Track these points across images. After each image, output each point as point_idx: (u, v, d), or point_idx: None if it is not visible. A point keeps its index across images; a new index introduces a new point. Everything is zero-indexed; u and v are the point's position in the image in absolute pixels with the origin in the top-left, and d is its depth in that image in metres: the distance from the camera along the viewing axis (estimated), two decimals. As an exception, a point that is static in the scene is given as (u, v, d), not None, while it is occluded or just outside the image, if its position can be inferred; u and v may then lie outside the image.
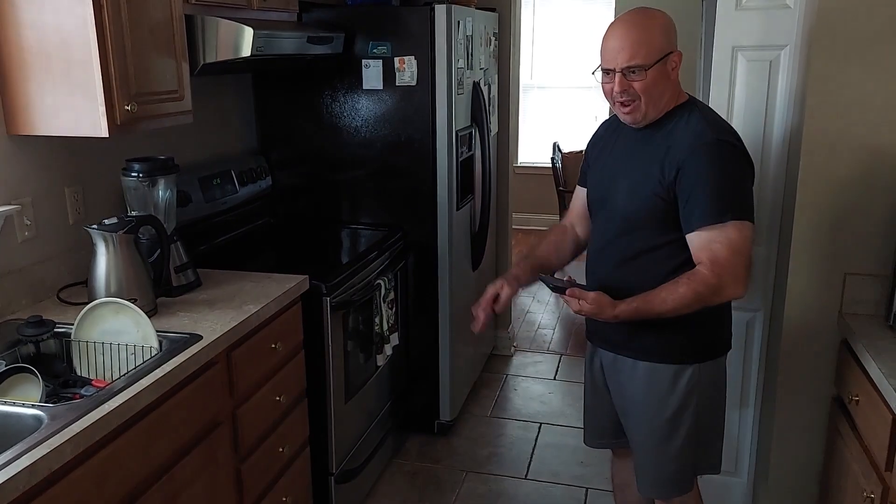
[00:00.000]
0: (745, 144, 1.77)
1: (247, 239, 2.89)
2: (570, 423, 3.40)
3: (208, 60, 2.19)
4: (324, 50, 2.79)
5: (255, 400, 2.01)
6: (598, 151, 1.97)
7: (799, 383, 2.24)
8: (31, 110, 1.83)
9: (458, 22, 2.94)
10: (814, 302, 2.17)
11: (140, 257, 1.94)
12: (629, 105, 1.74)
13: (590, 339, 2.04)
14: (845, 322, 2.08)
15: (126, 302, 1.78)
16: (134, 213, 2.03)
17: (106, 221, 1.89)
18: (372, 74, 2.93)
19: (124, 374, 1.60)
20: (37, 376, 1.62)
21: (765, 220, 2.28)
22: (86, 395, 1.58)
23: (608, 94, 1.76)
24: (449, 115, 2.93)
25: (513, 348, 4.26)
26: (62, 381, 1.74)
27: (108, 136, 1.79)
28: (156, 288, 1.99)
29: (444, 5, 2.84)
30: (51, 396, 1.65)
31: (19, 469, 1.23)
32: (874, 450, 1.80)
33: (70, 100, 1.79)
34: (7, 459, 1.25)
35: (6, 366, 1.65)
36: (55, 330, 1.79)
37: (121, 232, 1.87)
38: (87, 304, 1.81)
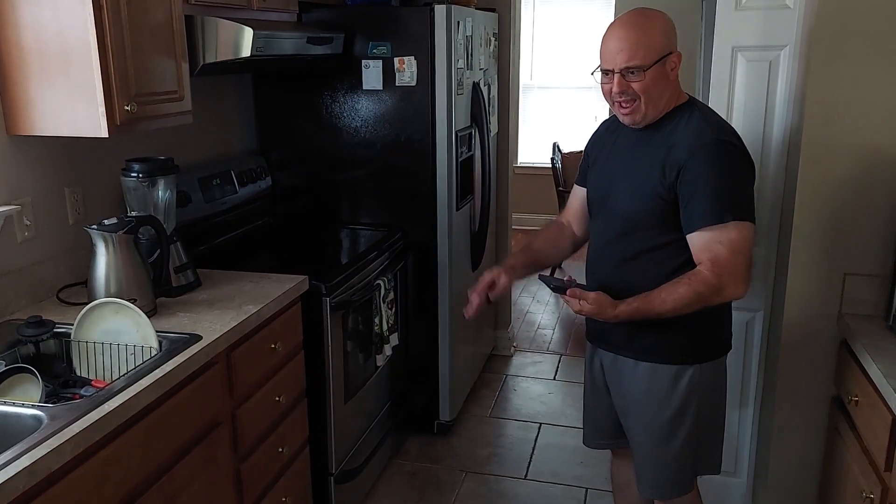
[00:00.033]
0: (745, 144, 1.77)
1: (246, 239, 2.88)
2: (570, 423, 3.40)
3: (208, 61, 2.19)
4: (323, 50, 2.79)
5: (254, 400, 2.01)
6: (599, 151, 1.97)
7: (798, 383, 2.24)
8: (31, 110, 1.83)
9: (458, 22, 2.94)
10: (813, 302, 2.17)
11: (140, 257, 1.94)
12: (628, 106, 1.74)
13: (590, 339, 2.04)
14: (845, 322, 2.08)
15: (126, 302, 1.78)
16: (134, 214, 2.03)
17: (106, 222, 1.89)
18: (372, 75, 2.93)
19: (124, 375, 1.60)
20: (36, 376, 1.62)
21: (764, 220, 2.27)
22: (85, 396, 1.58)
23: (607, 95, 1.76)
24: (449, 115, 2.93)
25: (513, 348, 4.26)
26: (62, 382, 1.74)
27: (107, 136, 1.79)
28: (155, 288, 1.99)
29: (444, 5, 2.84)
30: (50, 397, 1.65)
31: (19, 469, 1.23)
32: (873, 450, 1.80)
33: (70, 100, 1.79)
34: (7, 460, 1.25)
35: (6, 366, 1.65)
36: (55, 330, 1.79)
37: (120, 232, 1.87)
38: (87, 304, 1.81)
